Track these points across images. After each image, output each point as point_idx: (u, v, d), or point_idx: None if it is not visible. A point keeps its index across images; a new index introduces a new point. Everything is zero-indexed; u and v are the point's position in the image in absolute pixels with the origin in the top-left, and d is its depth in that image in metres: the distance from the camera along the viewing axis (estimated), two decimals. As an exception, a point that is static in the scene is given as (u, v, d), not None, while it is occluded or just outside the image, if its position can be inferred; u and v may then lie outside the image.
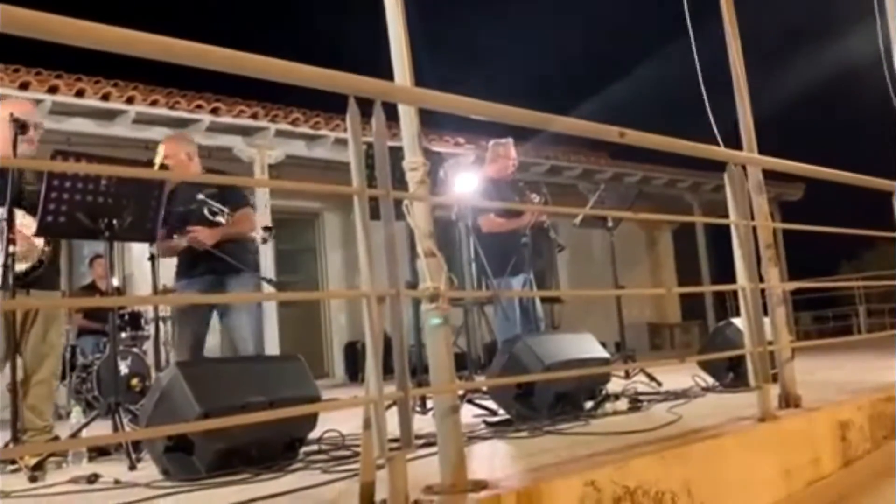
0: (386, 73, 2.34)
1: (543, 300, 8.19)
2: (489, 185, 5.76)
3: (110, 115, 8.53)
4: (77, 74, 8.49)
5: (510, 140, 5.83)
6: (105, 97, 8.38)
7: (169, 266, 4.58)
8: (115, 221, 3.56)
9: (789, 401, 3.51)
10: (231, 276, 4.36)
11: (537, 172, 11.78)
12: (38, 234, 3.54)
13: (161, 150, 4.35)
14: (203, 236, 4.27)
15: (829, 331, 15.04)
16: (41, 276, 3.82)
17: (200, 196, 4.28)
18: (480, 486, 2.12)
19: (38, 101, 7.91)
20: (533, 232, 5.65)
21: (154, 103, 8.68)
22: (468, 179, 6.36)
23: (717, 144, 3.85)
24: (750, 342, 3.27)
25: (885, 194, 4.74)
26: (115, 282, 3.97)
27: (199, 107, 9.00)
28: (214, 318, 4.50)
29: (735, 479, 2.81)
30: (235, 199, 4.45)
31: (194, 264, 4.36)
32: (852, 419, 3.58)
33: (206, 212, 4.28)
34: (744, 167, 3.59)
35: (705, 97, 4.11)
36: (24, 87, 7.90)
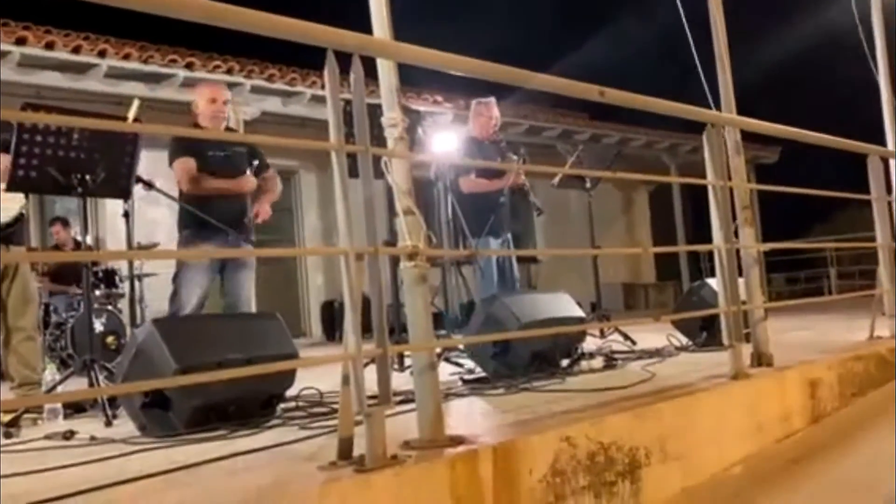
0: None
1: (520, 260, 8.20)
2: (471, 145, 5.70)
3: (81, 69, 8.33)
4: (46, 26, 8.28)
5: (492, 99, 5.76)
6: (76, 50, 8.17)
7: (143, 224, 4.49)
8: (87, 177, 3.50)
9: (761, 359, 3.58)
10: (243, 240, 4.30)
11: (515, 132, 11.71)
12: (9, 188, 3.48)
13: (206, 93, 4.34)
14: (251, 184, 4.29)
15: (800, 292, 15.27)
16: (16, 231, 3.78)
17: (242, 149, 4.28)
18: (458, 441, 2.14)
19: (6, 54, 7.73)
20: (512, 193, 5.63)
21: (126, 57, 8.48)
22: (447, 138, 6.32)
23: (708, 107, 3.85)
24: (724, 302, 3.31)
25: (858, 157, 4.79)
26: (89, 240, 3.91)
27: (173, 61, 8.82)
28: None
29: (707, 435, 2.86)
30: (264, 159, 4.44)
31: (210, 217, 4.13)
32: (822, 378, 3.66)
33: (246, 163, 4.31)
34: (722, 128, 3.60)
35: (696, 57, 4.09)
36: (-10, 38, 7.68)
